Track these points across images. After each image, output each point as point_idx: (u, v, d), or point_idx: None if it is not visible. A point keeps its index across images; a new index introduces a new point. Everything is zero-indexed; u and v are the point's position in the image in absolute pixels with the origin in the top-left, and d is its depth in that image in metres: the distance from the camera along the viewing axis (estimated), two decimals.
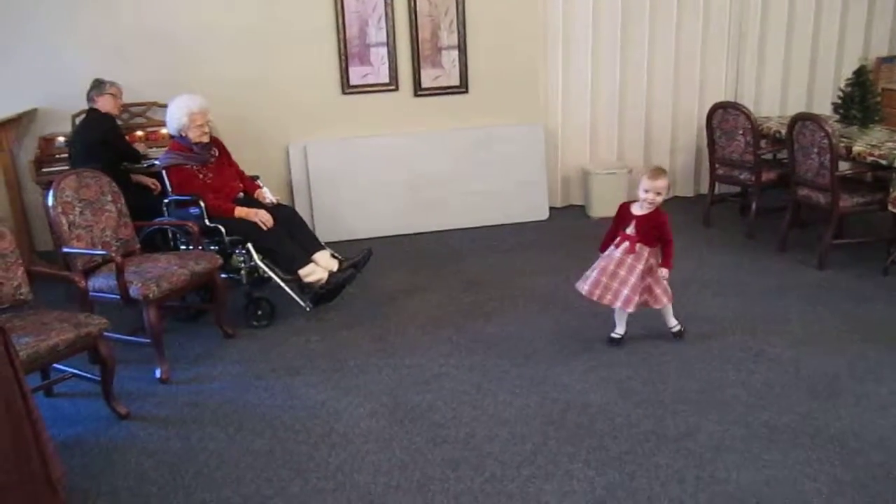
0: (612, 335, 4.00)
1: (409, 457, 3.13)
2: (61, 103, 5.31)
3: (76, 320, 3.35)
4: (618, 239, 3.86)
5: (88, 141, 4.79)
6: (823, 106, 6.28)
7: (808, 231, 5.45)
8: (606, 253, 3.90)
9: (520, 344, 4.08)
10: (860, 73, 5.18)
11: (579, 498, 2.83)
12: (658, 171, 3.81)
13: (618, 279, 3.82)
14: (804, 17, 6.48)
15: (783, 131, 5.30)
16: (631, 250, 3.80)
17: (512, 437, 3.23)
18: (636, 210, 3.84)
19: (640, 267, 3.79)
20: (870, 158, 4.78)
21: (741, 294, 4.54)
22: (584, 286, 3.92)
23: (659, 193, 3.77)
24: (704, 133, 5.95)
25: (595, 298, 3.88)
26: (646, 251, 3.80)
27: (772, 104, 6.62)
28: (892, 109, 6.39)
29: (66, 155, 5.10)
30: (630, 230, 3.82)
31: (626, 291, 3.79)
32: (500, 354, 3.97)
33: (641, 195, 3.79)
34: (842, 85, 5.39)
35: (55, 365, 3.51)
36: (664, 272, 3.84)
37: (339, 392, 3.67)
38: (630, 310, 3.83)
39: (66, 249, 3.94)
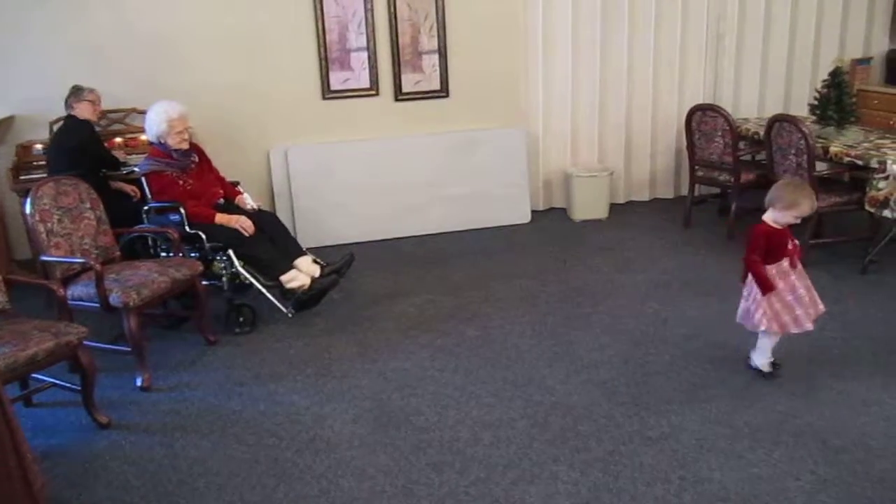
0: (763, 367, 3.68)
1: (393, 461, 3.12)
2: (39, 110, 5.26)
3: (55, 329, 3.32)
4: (786, 262, 3.53)
5: (67, 148, 4.74)
6: (800, 107, 6.34)
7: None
8: (782, 284, 3.53)
9: (503, 347, 4.09)
10: (836, 74, 5.23)
11: (564, 499, 2.84)
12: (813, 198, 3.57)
13: (808, 289, 3.62)
14: (780, 20, 6.55)
15: (761, 132, 5.35)
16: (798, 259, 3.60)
17: (496, 439, 3.23)
18: (779, 226, 3.54)
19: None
20: (846, 159, 4.84)
21: (722, 294, 4.57)
22: (803, 324, 3.58)
23: None
24: (684, 135, 6.00)
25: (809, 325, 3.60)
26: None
27: (750, 106, 6.68)
28: (868, 110, 6.49)
29: (43, 162, 5.05)
30: (790, 245, 3.55)
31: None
32: (483, 358, 3.98)
33: (791, 218, 3.49)
34: (818, 86, 5.45)
35: (34, 374, 3.48)
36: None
37: (322, 397, 3.65)
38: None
39: (44, 257, 3.90)
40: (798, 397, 3.45)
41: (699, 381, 3.62)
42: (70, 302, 3.82)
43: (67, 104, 4.86)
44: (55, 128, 5.10)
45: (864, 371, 3.66)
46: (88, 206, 4.13)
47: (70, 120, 4.86)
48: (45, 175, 4.76)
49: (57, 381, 3.64)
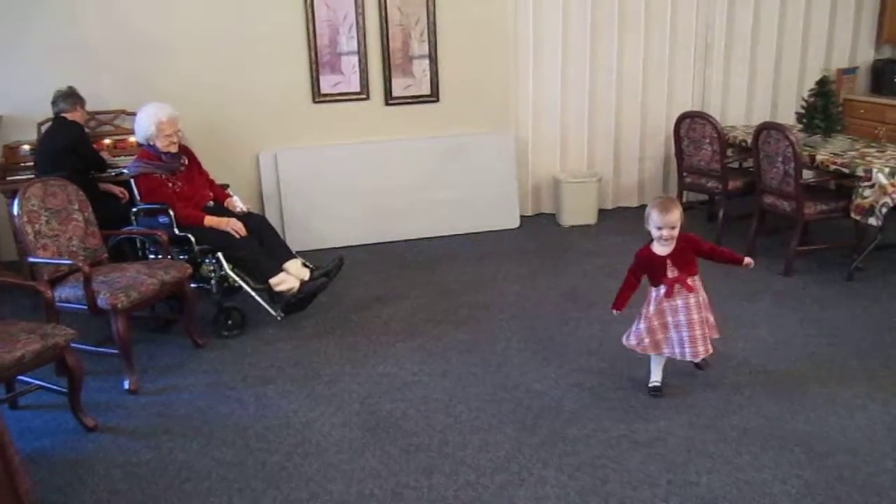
0: (653, 384, 3.60)
1: (382, 465, 3.12)
2: (26, 111, 5.23)
3: (42, 331, 3.30)
4: (662, 289, 3.42)
5: (55, 149, 4.72)
6: (787, 116, 6.41)
7: (774, 238, 5.54)
8: (654, 308, 3.46)
9: (492, 351, 4.09)
10: (823, 83, 5.28)
11: (552, 503, 2.85)
12: (668, 204, 3.38)
13: (690, 326, 3.43)
14: (768, 30, 6.61)
15: (749, 140, 5.39)
16: (690, 289, 3.41)
17: (485, 444, 3.24)
18: (661, 251, 3.41)
19: (701, 298, 3.47)
20: (833, 167, 4.89)
21: (710, 300, 4.59)
22: (638, 344, 3.52)
23: (674, 227, 3.34)
24: (672, 142, 6.04)
25: (667, 355, 3.53)
26: (698, 280, 3.46)
27: (737, 114, 6.73)
28: (854, 119, 6.56)
29: (31, 163, 5.02)
30: (672, 273, 3.40)
31: (697, 333, 3.43)
32: (472, 362, 3.98)
33: (655, 233, 3.37)
34: (805, 95, 5.50)
35: (21, 377, 3.45)
36: (750, 262, 3.49)
37: (311, 401, 3.65)
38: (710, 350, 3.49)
39: (32, 259, 3.88)
40: (784, 402, 3.47)
41: (687, 386, 3.64)
42: (57, 304, 3.80)
43: (56, 105, 4.84)
44: (43, 129, 5.07)
45: (849, 377, 3.69)
46: (76, 207, 4.11)
47: (59, 121, 4.84)
48: (32, 176, 4.74)
49: (44, 384, 3.61)
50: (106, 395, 3.77)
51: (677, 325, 3.44)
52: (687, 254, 3.43)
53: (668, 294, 3.42)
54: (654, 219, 3.36)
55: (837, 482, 2.91)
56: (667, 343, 3.49)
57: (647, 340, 3.50)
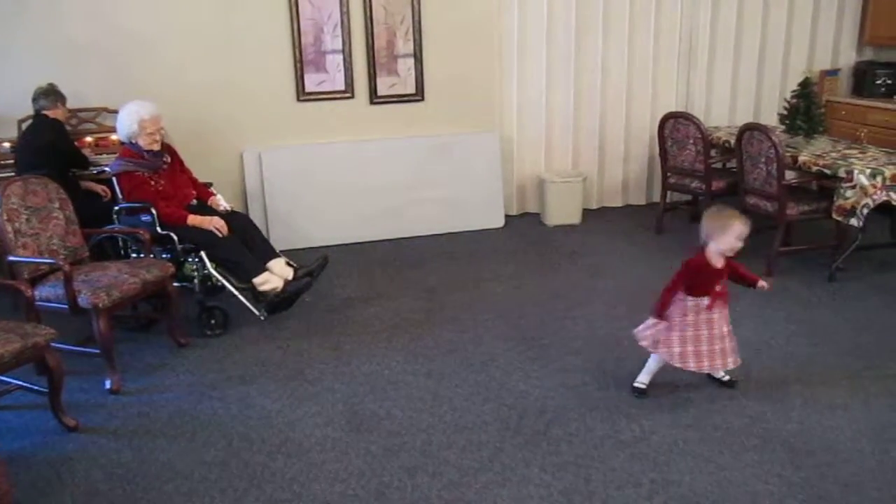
0: (638, 385, 3.60)
1: (366, 465, 3.11)
2: (6, 108, 5.17)
3: (22, 330, 3.26)
4: (705, 300, 3.39)
5: (36, 146, 4.68)
6: (770, 117, 6.45)
7: (756, 238, 5.53)
8: (692, 318, 3.42)
9: (476, 351, 4.09)
10: (805, 85, 5.33)
11: (536, 503, 2.85)
12: (745, 217, 3.39)
13: (721, 339, 3.46)
14: (751, 31, 6.65)
15: (732, 141, 5.42)
16: (726, 303, 3.46)
17: (469, 443, 3.24)
18: (720, 263, 3.41)
19: (727, 311, 3.49)
20: (815, 168, 4.93)
21: None
22: (665, 350, 3.49)
23: (742, 242, 3.37)
24: (656, 142, 6.06)
25: (709, 370, 3.52)
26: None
27: (721, 114, 6.77)
28: (836, 121, 6.61)
29: (11, 161, 4.97)
30: (720, 287, 3.41)
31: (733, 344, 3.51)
32: (456, 361, 3.98)
33: (732, 244, 3.34)
34: (787, 96, 5.54)
35: (0, 377, 3.41)
36: (765, 284, 3.53)
37: (294, 401, 3.63)
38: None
39: (11, 258, 3.83)
40: (767, 402, 3.49)
41: (670, 386, 3.65)
42: (38, 303, 3.75)
43: (37, 102, 4.80)
44: (24, 126, 5.02)
45: (830, 376, 3.72)
46: (57, 205, 4.07)
47: (39, 118, 4.80)
48: (12, 174, 4.68)
49: (24, 384, 3.58)
50: (87, 395, 3.74)
51: (712, 337, 3.43)
52: (728, 269, 3.46)
53: (710, 307, 3.41)
54: (737, 230, 3.32)
55: (819, 481, 2.93)
56: (694, 357, 3.44)
57: (676, 350, 3.44)
